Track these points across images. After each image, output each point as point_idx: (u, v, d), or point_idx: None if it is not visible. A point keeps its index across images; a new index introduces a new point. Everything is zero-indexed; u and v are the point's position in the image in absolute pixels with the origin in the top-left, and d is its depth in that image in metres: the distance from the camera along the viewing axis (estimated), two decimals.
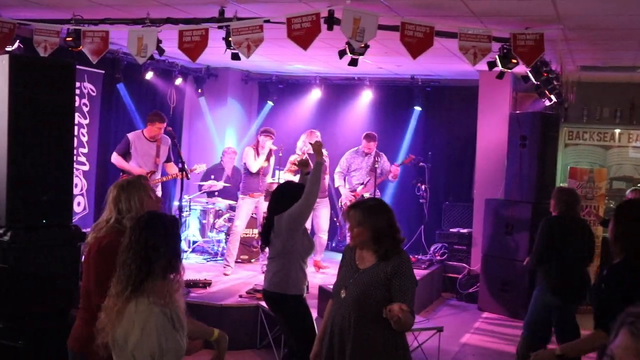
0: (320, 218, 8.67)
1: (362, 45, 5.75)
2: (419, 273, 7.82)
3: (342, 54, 6.12)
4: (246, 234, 8.92)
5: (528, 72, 6.79)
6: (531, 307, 5.92)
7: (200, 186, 9.75)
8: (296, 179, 6.53)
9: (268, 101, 11.28)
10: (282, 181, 7.61)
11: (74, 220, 5.86)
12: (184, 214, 9.06)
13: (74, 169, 6.81)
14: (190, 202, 9.46)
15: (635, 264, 3.43)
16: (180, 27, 6.15)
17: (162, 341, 2.55)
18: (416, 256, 9.24)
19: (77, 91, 7.94)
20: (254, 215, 8.69)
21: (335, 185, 9.34)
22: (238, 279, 7.99)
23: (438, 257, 9.48)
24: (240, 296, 6.97)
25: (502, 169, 9.07)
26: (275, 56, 8.98)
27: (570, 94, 8.63)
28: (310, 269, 7.15)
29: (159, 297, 2.64)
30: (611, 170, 9.77)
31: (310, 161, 5.30)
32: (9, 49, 6.80)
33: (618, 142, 9.82)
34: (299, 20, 5.60)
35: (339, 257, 3.98)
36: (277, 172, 8.94)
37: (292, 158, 8.72)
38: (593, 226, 8.43)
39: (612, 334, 1.74)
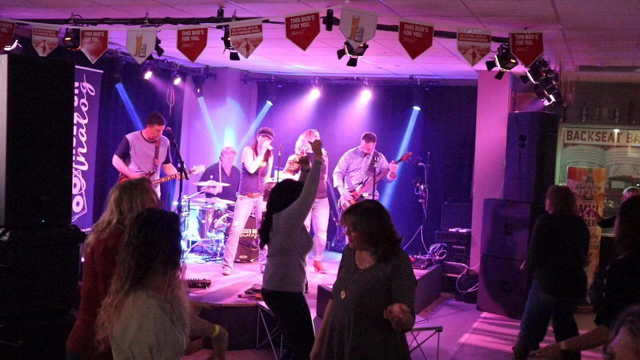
0: (320, 218, 8.67)
1: (361, 45, 5.75)
2: (418, 273, 7.82)
3: (341, 53, 6.12)
4: (245, 233, 8.93)
5: (527, 72, 6.80)
6: (527, 306, 5.96)
7: (199, 187, 9.74)
8: (295, 178, 6.54)
9: (267, 101, 11.28)
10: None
11: (73, 220, 5.86)
12: (183, 214, 9.07)
13: (73, 169, 6.81)
14: (189, 202, 9.46)
15: (638, 260, 3.44)
16: (179, 27, 6.15)
17: (159, 335, 2.55)
18: (415, 256, 9.24)
19: (76, 91, 7.93)
20: (252, 215, 8.69)
21: (334, 186, 9.34)
22: (237, 278, 7.99)
23: (437, 257, 9.48)
24: (240, 296, 6.97)
25: (501, 169, 9.08)
26: (274, 56, 8.98)
27: (569, 94, 8.63)
28: (309, 269, 7.16)
29: (158, 292, 2.64)
30: (610, 170, 9.78)
31: (310, 160, 5.31)
32: (7, 48, 6.80)
33: (617, 142, 9.82)
34: (298, 20, 5.61)
35: (338, 256, 3.99)
36: (276, 171, 8.94)
37: (291, 158, 8.72)
38: (591, 226, 8.44)
39: (613, 332, 1.75)
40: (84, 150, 8.58)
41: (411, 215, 10.23)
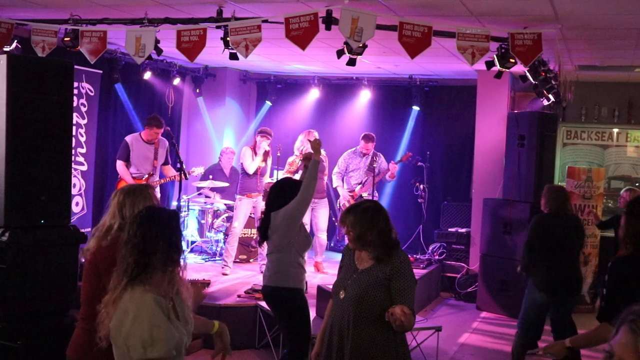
0: (319, 218, 8.68)
1: (360, 45, 5.75)
2: (417, 273, 7.80)
3: (340, 53, 6.12)
4: (244, 233, 8.93)
5: (526, 71, 6.80)
6: (523, 305, 5.98)
7: (198, 187, 9.74)
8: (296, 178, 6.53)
9: (266, 101, 11.28)
10: None
11: (72, 221, 5.86)
12: (183, 214, 9.07)
13: (72, 169, 6.81)
14: (188, 202, 9.46)
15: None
16: (179, 27, 6.15)
17: (152, 330, 2.54)
18: (415, 256, 9.24)
19: (75, 91, 7.93)
20: (252, 215, 8.69)
21: (334, 186, 9.34)
22: (236, 278, 7.99)
23: (436, 257, 9.48)
24: (239, 296, 6.97)
25: (500, 169, 9.08)
26: (273, 56, 8.98)
27: (568, 94, 8.64)
28: (309, 269, 7.16)
29: (157, 288, 2.65)
30: (609, 170, 9.79)
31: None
32: (6, 49, 6.80)
33: (616, 141, 9.83)
34: (297, 20, 5.61)
35: (337, 256, 4.00)
36: (275, 172, 8.95)
37: (290, 160, 8.72)
38: (590, 225, 8.45)
39: (614, 331, 1.75)
40: (84, 151, 8.58)
41: (410, 215, 10.23)
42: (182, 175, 7.72)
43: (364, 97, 10.72)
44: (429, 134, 10.57)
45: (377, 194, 9.10)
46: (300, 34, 5.61)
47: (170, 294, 2.75)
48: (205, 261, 9.05)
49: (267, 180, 8.63)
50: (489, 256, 8.74)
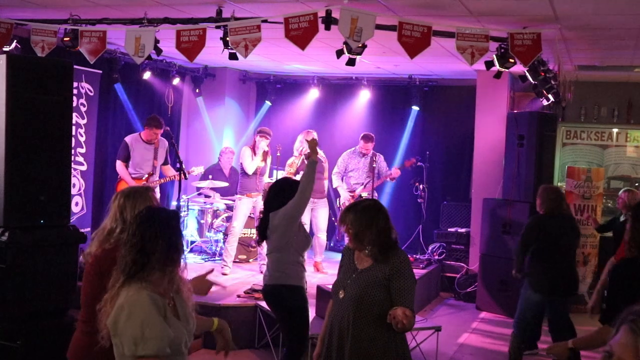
0: (319, 218, 8.68)
1: (360, 45, 5.75)
2: (417, 272, 7.78)
3: (339, 53, 6.12)
4: (244, 233, 8.92)
5: (525, 71, 6.80)
6: (519, 305, 6.00)
7: (198, 187, 9.74)
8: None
9: (266, 101, 11.28)
10: None
11: (71, 221, 5.86)
12: (182, 214, 9.06)
13: (72, 169, 6.81)
14: (188, 202, 9.46)
15: None
16: (178, 27, 6.15)
17: (145, 327, 2.55)
18: (414, 256, 9.24)
19: (75, 91, 7.92)
20: (251, 215, 8.69)
21: (334, 186, 9.34)
22: (236, 278, 7.99)
23: (436, 257, 9.48)
24: (239, 296, 6.97)
25: (499, 169, 9.08)
26: (273, 56, 8.98)
27: (567, 94, 8.64)
28: (309, 269, 7.16)
29: (154, 286, 2.65)
30: (609, 170, 9.79)
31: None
32: (6, 49, 6.80)
33: (615, 141, 9.83)
34: (297, 20, 5.61)
35: (337, 256, 4.00)
36: (275, 172, 8.94)
37: (290, 161, 8.73)
38: (588, 226, 8.45)
39: (614, 331, 1.76)
40: (83, 151, 8.57)
41: (410, 215, 10.23)
42: (182, 175, 7.72)
43: (364, 97, 10.72)
44: (429, 134, 10.56)
45: (376, 194, 9.11)
46: (300, 34, 5.61)
47: (170, 293, 2.75)
48: (205, 261, 9.05)
49: (266, 180, 8.62)
50: (488, 256, 8.74)
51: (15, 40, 6.99)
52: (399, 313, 3.19)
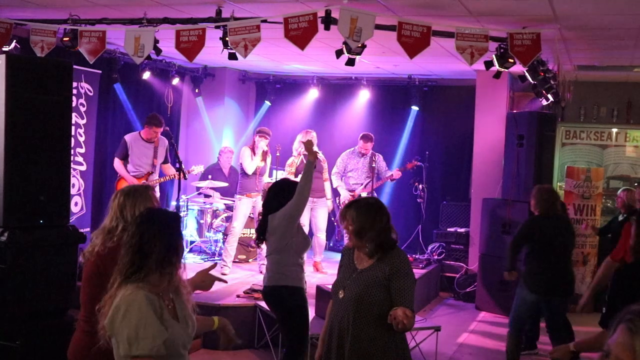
0: (318, 218, 8.67)
1: (359, 45, 5.75)
2: (416, 272, 7.79)
3: (339, 53, 6.12)
4: (244, 233, 8.92)
5: (525, 71, 6.80)
6: (514, 304, 6.01)
7: (198, 187, 9.74)
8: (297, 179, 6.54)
9: (265, 101, 11.28)
10: None
11: (71, 221, 5.86)
12: (182, 214, 9.06)
13: (71, 169, 6.81)
14: (187, 202, 9.46)
15: None
16: (178, 27, 6.15)
17: (139, 326, 2.55)
18: (414, 256, 9.24)
19: (74, 91, 7.91)
20: (251, 216, 8.69)
21: (334, 186, 9.34)
22: (236, 278, 7.98)
23: (435, 257, 9.48)
24: (238, 296, 6.97)
25: (499, 169, 9.08)
26: (272, 56, 8.98)
27: (567, 94, 8.64)
28: (309, 269, 7.16)
29: (152, 287, 2.65)
30: (608, 170, 9.79)
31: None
32: (5, 49, 6.80)
33: (615, 141, 9.84)
34: (296, 20, 5.61)
35: (336, 256, 4.00)
36: (274, 171, 8.94)
37: (290, 161, 8.73)
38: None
39: (611, 331, 1.76)
40: (82, 151, 8.57)
41: (410, 215, 10.23)
42: (181, 175, 7.72)
43: (363, 97, 10.72)
44: (428, 134, 10.57)
45: (375, 195, 9.10)
46: (299, 34, 5.61)
47: (169, 294, 2.75)
48: (205, 261, 9.04)
49: (266, 179, 8.63)
50: (488, 256, 8.74)
51: (14, 40, 6.99)
52: (400, 313, 3.19)
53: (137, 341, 2.55)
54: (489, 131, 9.30)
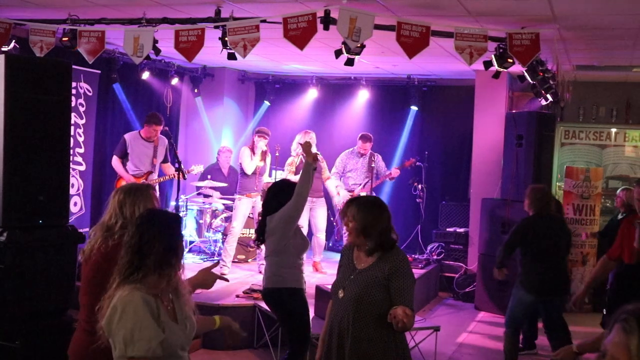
0: (317, 218, 8.67)
1: (359, 45, 5.75)
2: (415, 272, 7.77)
3: (338, 53, 6.12)
4: (243, 233, 8.92)
5: (524, 71, 6.80)
6: (510, 304, 6.02)
7: (198, 187, 9.74)
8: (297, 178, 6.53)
9: (265, 101, 11.28)
10: None
11: (70, 221, 5.85)
12: (181, 214, 9.06)
13: (71, 169, 6.81)
14: (187, 202, 9.46)
15: None
16: (177, 27, 6.15)
17: (135, 328, 2.55)
18: (413, 256, 9.24)
19: (73, 91, 7.92)
20: (250, 216, 8.69)
21: (329, 189, 9.33)
22: (235, 278, 7.98)
23: (435, 257, 9.49)
24: (237, 296, 6.97)
25: (498, 169, 9.08)
26: (271, 56, 8.98)
27: (566, 94, 8.65)
28: (308, 269, 7.16)
29: (150, 288, 2.65)
30: (607, 170, 9.79)
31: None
32: (4, 49, 6.80)
33: (614, 141, 9.84)
34: (295, 20, 5.61)
35: (335, 256, 4.00)
36: (274, 171, 8.93)
37: (290, 160, 8.72)
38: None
39: (608, 331, 1.77)
40: (82, 151, 8.57)
41: (409, 215, 10.23)
42: (181, 175, 7.72)
43: (362, 97, 10.72)
44: (427, 134, 10.57)
45: (374, 194, 9.10)
46: (299, 34, 5.61)
47: (168, 295, 2.75)
48: (204, 261, 9.04)
49: (266, 179, 8.63)
50: (487, 256, 8.73)
51: (13, 40, 6.99)
52: (400, 312, 3.19)
53: (132, 342, 2.55)
54: (488, 131, 9.31)
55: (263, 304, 5.81)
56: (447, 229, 9.81)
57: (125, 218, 3.37)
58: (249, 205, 8.39)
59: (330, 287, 3.79)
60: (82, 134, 8.56)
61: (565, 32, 6.42)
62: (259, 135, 8.38)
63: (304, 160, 5.29)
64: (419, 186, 9.71)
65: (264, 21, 5.85)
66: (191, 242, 9.60)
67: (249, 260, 9.07)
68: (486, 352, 7.08)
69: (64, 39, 6.52)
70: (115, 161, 8.13)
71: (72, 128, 7.96)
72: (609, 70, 8.75)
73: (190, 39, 6.05)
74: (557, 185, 9.66)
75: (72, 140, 6.64)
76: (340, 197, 8.94)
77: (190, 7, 6.23)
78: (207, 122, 10.95)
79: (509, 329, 6.00)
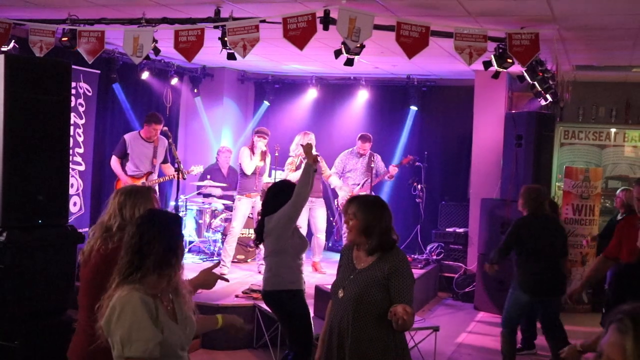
0: (317, 218, 8.67)
1: (358, 45, 5.76)
2: (415, 272, 7.79)
3: (338, 53, 6.13)
4: (243, 234, 8.92)
5: (523, 71, 6.80)
6: (506, 304, 6.04)
7: (198, 187, 9.74)
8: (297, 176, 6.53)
9: (264, 101, 11.28)
10: None
11: (70, 221, 5.86)
12: (180, 214, 9.06)
13: (70, 169, 6.81)
14: (186, 202, 9.47)
15: None
16: (176, 27, 6.15)
17: (132, 328, 2.55)
18: (412, 256, 9.24)
19: (73, 91, 7.92)
20: (250, 216, 8.69)
21: (332, 187, 9.34)
22: (234, 279, 7.97)
23: (434, 257, 9.49)
24: (237, 296, 6.97)
25: (497, 169, 9.09)
26: (271, 56, 8.98)
27: (565, 94, 8.65)
28: (307, 269, 7.16)
29: (149, 288, 2.65)
30: (607, 170, 9.80)
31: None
32: (4, 48, 6.80)
33: (613, 141, 9.84)
34: (295, 20, 5.61)
35: (335, 256, 4.00)
36: (274, 172, 8.94)
37: (289, 160, 8.72)
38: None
39: (604, 331, 1.77)
40: (81, 151, 8.57)
41: (408, 215, 10.24)
42: (180, 175, 7.72)
43: (362, 97, 10.72)
44: (427, 134, 10.57)
45: (373, 194, 9.10)
46: (298, 34, 5.62)
47: (168, 295, 2.75)
48: (203, 261, 9.05)
49: (266, 179, 8.63)
50: (486, 256, 8.69)
51: (13, 40, 6.99)
52: (400, 310, 3.18)
53: (129, 343, 2.55)
54: (488, 131, 9.31)
55: (262, 304, 5.82)
56: (447, 229, 9.81)
57: (125, 220, 3.36)
58: (248, 206, 8.39)
59: (329, 287, 3.79)
60: (81, 134, 8.56)
61: (564, 33, 6.43)
62: (258, 136, 8.38)
63: (304, 162, 5.30)
64: (419, 186, 9.71)
65: (263, 21, 5.85)
66: (191, 242, 9.60)
67: (249, 260, 9.07)
68: (485, 352, 7.08)
69: (63, 39, 6.52)
70: (114, 162, 8.14)
71: (72, 128, 7.97)
72: (609, 71, 8.75)
73: (190, 39, 6.06)
74: (556, 186, 9.66)
75: (71, 140, 6.65)
76: (344, 192, 8.95)
77: (189, 7, 6.23)
78: (207, 122, 10.95)
79: (505, 329, 6.02)
